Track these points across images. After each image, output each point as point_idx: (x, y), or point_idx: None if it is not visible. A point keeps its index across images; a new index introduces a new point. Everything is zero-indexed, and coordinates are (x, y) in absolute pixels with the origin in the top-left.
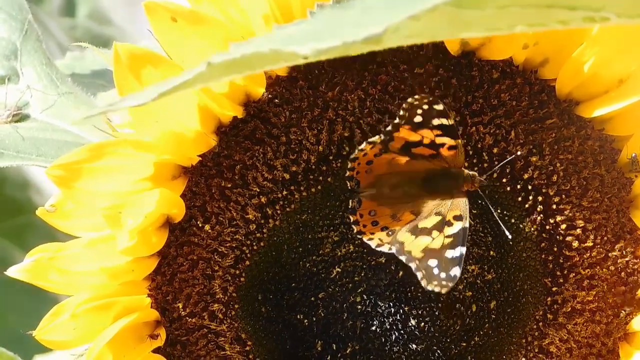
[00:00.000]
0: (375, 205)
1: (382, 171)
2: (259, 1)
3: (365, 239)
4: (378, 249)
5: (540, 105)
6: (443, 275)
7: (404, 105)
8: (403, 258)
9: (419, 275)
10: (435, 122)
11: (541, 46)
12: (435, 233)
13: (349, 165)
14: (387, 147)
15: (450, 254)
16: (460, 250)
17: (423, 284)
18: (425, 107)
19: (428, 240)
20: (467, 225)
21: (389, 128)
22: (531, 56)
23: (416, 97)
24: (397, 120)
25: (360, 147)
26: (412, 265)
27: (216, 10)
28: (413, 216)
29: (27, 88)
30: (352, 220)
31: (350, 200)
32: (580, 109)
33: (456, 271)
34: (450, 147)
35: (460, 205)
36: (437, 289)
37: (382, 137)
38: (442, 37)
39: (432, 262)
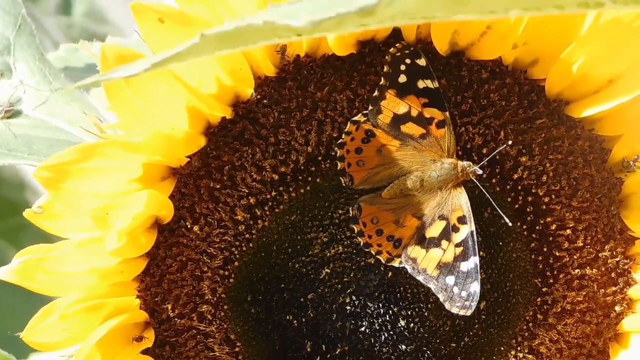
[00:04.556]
0: (376, 211)
1: (374, 163)
2: (249, 1)
3: (373, 252)
4: (389, 264)
5: (529, 105)
6: (464, 294)
7: (386, 57)
8: (420, 278)
9: (441, 297)
10: (421, 84)
11: (531, 46)
12: (444, 243)
13: (338, 154)
14: (375, 122)
15: (464, 266)
16: (474, 260)
17: (447, 307)
18: (408, 60)
19: (440, 253)
20: (473, 228)
21: (376, 93)
22: (521, 56)
23: (397, 45)
24: (382, 82)
25: (345, 130)
26: (432, 286)
27: (205, 11)
28: (416, 220)
29: (20, 83)
30: (356, 231)
31: (350, 208)
32: (570, 109)
33: (475, 287)
34: (439, 125)
35: (462, 202)
36: (462, 312)
37: (370, 107)
38: (435, 17)
39: (450, 280)
